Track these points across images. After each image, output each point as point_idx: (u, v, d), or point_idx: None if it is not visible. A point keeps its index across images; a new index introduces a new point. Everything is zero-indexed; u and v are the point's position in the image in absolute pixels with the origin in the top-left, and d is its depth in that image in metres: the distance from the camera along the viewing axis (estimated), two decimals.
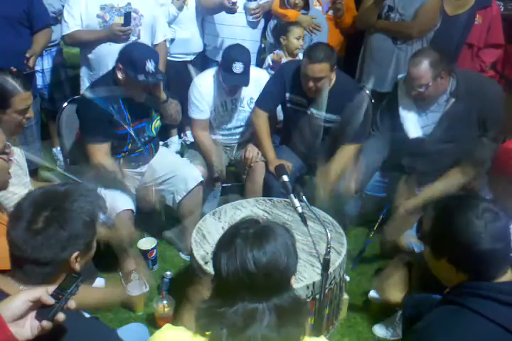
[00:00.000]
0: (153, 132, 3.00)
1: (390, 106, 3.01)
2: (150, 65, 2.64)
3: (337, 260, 2.32)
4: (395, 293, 2.07)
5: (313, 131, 3.18)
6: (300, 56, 3.59)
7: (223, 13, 3.64)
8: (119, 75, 2.72)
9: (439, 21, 3.39)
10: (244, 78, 3.09)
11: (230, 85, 3.16)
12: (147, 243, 3.01)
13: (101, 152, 2.79)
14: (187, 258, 3.09)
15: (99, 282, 2.83)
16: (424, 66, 2.69)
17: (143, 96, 2.80)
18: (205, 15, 3.81)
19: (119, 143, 2.88)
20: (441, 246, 1.45)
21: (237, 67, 3.02)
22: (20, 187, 2.23)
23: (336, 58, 2.98)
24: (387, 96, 3.08)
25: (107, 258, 2.86)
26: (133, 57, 2.67)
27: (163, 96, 2.88)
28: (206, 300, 1.36)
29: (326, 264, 2.06)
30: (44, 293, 1.12)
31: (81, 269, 1.38)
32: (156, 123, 3.00)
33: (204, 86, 3.25)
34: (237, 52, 3.11)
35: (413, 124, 2.91)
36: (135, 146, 2.94)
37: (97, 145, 2.79)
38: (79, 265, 1.36)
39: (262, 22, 3.89)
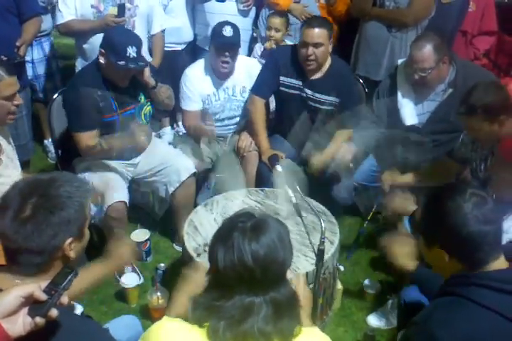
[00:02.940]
0: (143, 119, 2.95)
1: (387, 92, 3.00)
2: (131, 51, 2.62)
3: (330, 249, 2.31)
4: (408, 260, 1.98)
5: (309, 114, 3.16)
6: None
7: (213, 1, 3.60)
8: (102, 60, 2.70)
9: (433, 9, 3.36)
10: (235, 39, 3.08)
11: (222, 45, 3.08)
12: (140, 234, 2.99)
13: (88, 139, 2.73)
14: (180, 249, 3.08)
15: None
16: (428, 49, 2.67)
17: (126, 81, 2.78)
18: (195, 4, 3.76)
19: (107, 131, 2.82)
20: (432, 233, 1.46)
21: (227, 30, 3.04)
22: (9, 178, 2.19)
23: (332, 31, 3.03)
24: (386, 81, 3.06)
25: (100, 250, 2.84)
26: (114, 42, 2.66)
27: (152, 82, 2.85)
28: (202, 293, 1.36)
29: (320, 254, 2.06)
30: (37, 288, 1.10)
31: (77, 258, 1.37)
32: (146, 109, 2.95)
33: (195, 76, 3.23)
34: (225, 21, 3.14)
35: (410, 111, 2.90)
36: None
37: (83, 133, 2.72)
38: (74, 253, 1.34)
39: (253, 10, 3.83)
